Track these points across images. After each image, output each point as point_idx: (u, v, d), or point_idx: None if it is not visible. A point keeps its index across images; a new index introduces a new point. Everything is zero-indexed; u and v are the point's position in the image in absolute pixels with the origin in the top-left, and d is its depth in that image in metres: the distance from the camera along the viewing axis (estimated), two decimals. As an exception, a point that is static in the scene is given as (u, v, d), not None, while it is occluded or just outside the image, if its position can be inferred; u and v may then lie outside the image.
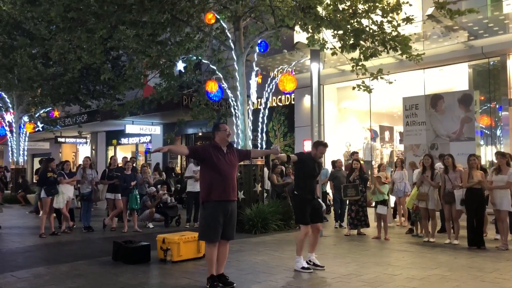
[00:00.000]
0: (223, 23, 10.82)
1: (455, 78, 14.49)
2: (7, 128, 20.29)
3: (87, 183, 10.69)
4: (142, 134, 23.57)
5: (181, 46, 11.75)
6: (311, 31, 10.11)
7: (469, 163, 8.18)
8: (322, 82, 14.60)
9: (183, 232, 7.59)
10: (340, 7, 9.58)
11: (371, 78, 10.85)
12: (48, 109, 20.40)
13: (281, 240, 9.12)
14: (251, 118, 11.27)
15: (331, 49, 10.88)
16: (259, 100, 12.62)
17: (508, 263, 6.86)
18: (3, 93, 19.24)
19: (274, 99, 17.94)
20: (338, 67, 15.40)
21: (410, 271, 6.26)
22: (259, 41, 11.18)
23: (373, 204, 9.63)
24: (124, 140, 26.76)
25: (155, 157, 22.92)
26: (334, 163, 11.61)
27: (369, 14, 9.56)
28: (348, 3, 9.61)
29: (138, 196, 10.55)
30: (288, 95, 17.43)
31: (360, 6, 9.61)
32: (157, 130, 22.75)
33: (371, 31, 9.69)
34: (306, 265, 6.32)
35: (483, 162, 11.40)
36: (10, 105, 19.77)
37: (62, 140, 27.71)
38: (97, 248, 8.53)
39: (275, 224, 10.16)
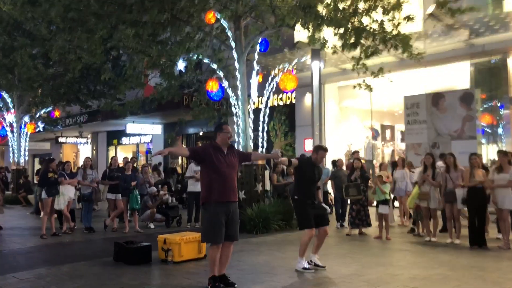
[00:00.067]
0: (223, 23, 10.80)
1: (456, 77, 14.45)
2: (8, 129, 20.30)
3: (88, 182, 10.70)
4: (142, 134, 23.57)
5: (182, 45, 11.73)
6: (311, 30, 10.09)
7: (471, 162, 8.16)
8: (323, 81, 14.56)
9: (184, 233, 7.58)
10: (341, 6, 9.56)
11: (372, 77, 10.82)
12: (49, 109, 20.41)
13: (283, 240, 9.10)
14: (252, 117, 11.25)
15: (331, 48, 10.85)
16: (259, 99, 12.60)
17: (510, 262, 6.85)
18: (3, 94, 19.24)
19: (275, 98, 17.93)
20: (339, 66, 15.36)
21: (412, 271, 6.24)
22: (259, 40, 11.16)
23: (375, 203, 9.61)
24: (125, 140, 26.75)
25: (156, 157, 22.92)
26: (335, 162, 11.59)
27: (370, 12, 9.54)
28: (349, 2, 9.59)
29: (138, 196, 10.54)
30: (289, 94, 17.41)
31: (361, 5, 9.59)
32: (157, 130, 22.74)
33: (371, 29, 9.66)
34: (307, 266, 6.30)
35: (484, 161, 11.37)
36: (10, 106, 19.78)
37: (63, 140, 27.73)
38: (98, 249, 8.53)
39: (276, 224, 10.14)
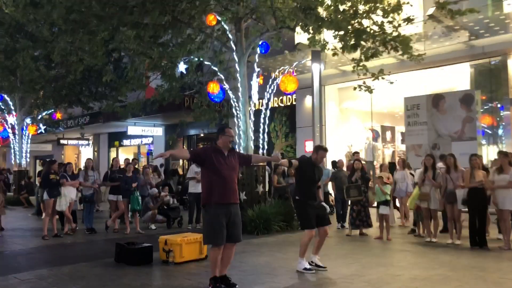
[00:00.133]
0: (224, 25, 10.84)
1: (456, 78, 14.47)
2: (9, 130, 20.35)
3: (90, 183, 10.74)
4: (144, 135, 23.60)
5: (183, 47, 11.77)
6: (312, 32, 10.12)
7: (471, 162, 8.18)
8: (323, 82, 14.60)
9: (185, 234, 7.59)
10: (341, 7, 9.58)
11: (372, 79, 10.85)
12: (51, 111, 20.44)
13: (284, 241, 9.12)
14: (253, 119, 11.28)
15: (332, 49, 10.88)
16: (260, 101, 12.62)
17: (511, 262, 6.86)
18: (5, 96, 19.28)
19: (276, 100, 17.96)
20: (339, 68, 15.40)
21: (413, 271, 6.25)
22: (260, 42, 11.19)
23: (375, 204, 9.62)
24: (126, 142, 26.78)
25: (157, 159, 22.95)
26: (335, 163, 11.59)
27: (370, 14, 9.56)
28: (349, 4, 9.61)
29: (139, 198, 10.56)
30: (289, 96, 17.45)
31: (361, 7, 9.61)
32: (159, 131, 22.78)
33: (372, 31, 9.69)
34: (308, 266, 6.32)
35: (485, 162, 11.39)
36: (12, 107, 19.83)
37: (65, 142, 27.75)
38: (100, 250, 8.55)
39: (277, 225, 10.16)
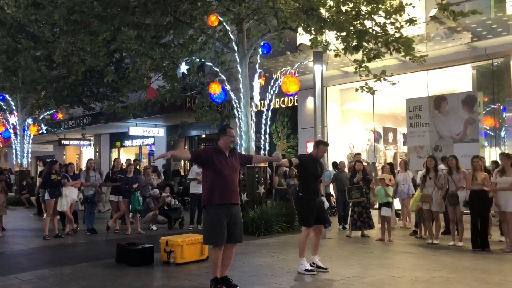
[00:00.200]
0: (226, 25, 10.84)
1: (459, 80, 14.45)
2: (11, 131, 20.38)
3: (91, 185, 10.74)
4: (145, 136, 23.62)
5: (184, 48, 11.78)
6: (314, 33, 10.11)
7: (473, 164, 8.15)
8: (325, 83, 14.55)
9: (187, 234, 7.58)
10: (343, 8, 9.56)
11: (374, 80, 10.84)
12: (52, 111, 20.48)
13: (285, 242, 9.10)
14: (254, 120, 11.27)
15: (334, 50, 10.87)
16: (262, 102, 12.62)
17: (513, 265, 6.83)
18: (7, 96, 19.32)
19: (277, 101, 17.96)
20: (341, 69, 15.39)
21: (414, 273, 6.23)
22: (262, 43, 11.18)
23: (377, 205, 9.60)
24: (127, 142, 26.81)
25: (159, 160, 22.95)
26: (336, 164, 11.56)
27: (372, 15, 9.54)
28: (351, 5, 9.60)
29: (140, 198, 10.55)
30: (291, 97, 17.44)
31: (363, 8, 9.59)
32: (160, 132, 22.80)
33: (374, 32, 9.66)
34: (309, 268, 6.31)
35: (487, 164, 11.36)
36: (14, 108, 19.86)
37: (66, 142, 27.80)
38: (101, 250, 8.55)
39: (278, 226, 10.15)
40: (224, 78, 11.50)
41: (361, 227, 9.57)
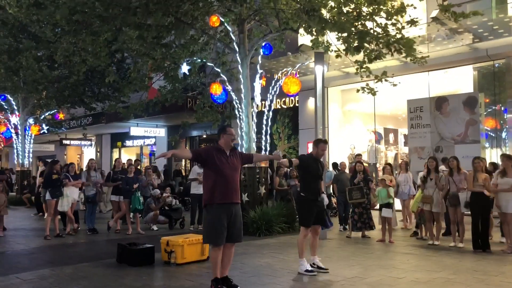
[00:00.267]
0: (227, 26, 10.84)
1: (460, 81, 14.44)
2: (12, 131, 20.40)
3: (92, 185, 10.75)
4: (146, 136, 23.66)
5: (186, 48, 11.78)
6: (315, 33, 10.11)
7: (474, 165, 8.15)
8: (326, 84, 14.59)
9: (187, 235, 7.59)
10: (345, 9, 9.57)
11: (375, 81, 10.84)
12: (53, 111, 20.49)
13: (285, 242, 9.10)
14: (255, 121, 11.28)
15: (335, 51, 10.87)
16: (263, 102, 12.62)
17: (514, 266, 6.82)
18: (8, 96, 19.34)
19: (278, 102, 17.96)
20: (342, 70, 15.39)
21: (415, 274, 6.23)
22: (263, 44, 11.19)
23: (378, 206, 9.60)
24: (128, 143, 26.83)
25: (160, 160, 22.97)
26: (336, 165, 11.56)
27: (374, 16, 9.54)
28: (353, 6, 9.60)
29: (141, 198, 10.56)
30: (292, 98, 17.45)
31: (365, 9, 9.59)
32: (161, 132, 22.83)
33: (375, 33, 9.66)
34: (310, 268, 6.31)
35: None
36: (15, 108, 19.89)
37: (67, 142, 27.84)
38: (102, 250, 8.56)
39: (279, 227, 10.15)
40: (225, 79, 11.51)
41: (362, 228, 9.58)
